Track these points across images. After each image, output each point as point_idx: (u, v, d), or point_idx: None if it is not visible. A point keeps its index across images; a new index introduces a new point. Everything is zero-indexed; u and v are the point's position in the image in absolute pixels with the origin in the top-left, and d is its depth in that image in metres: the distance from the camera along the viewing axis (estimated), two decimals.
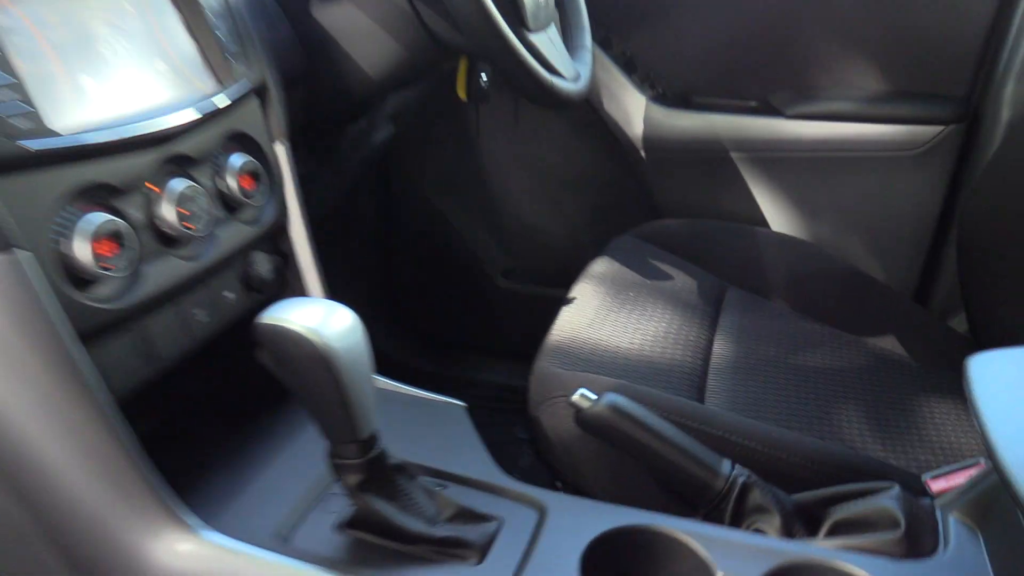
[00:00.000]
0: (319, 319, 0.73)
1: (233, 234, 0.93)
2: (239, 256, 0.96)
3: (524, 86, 1.17)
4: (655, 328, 1.29)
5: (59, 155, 0.74)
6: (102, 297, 0.77)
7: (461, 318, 2.10)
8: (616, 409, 0.92)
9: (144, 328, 0.84)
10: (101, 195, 0.78)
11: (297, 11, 1.23)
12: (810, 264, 1.55)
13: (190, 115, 0.87)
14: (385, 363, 1.98)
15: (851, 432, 1.11)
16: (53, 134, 0.74)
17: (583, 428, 0.97)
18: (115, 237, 0.77)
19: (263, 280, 0.99)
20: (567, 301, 1.36)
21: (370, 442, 0.78)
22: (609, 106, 1.77)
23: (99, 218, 0.76)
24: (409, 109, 1.75)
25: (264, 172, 0.97)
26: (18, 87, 0.72)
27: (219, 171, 0.92)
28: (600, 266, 1.48)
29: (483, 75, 1.49)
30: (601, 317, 1.30)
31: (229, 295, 0.95)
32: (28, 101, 0.72)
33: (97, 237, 0.75)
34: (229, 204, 0.93)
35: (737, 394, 1.15)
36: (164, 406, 0.98)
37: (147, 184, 0.83)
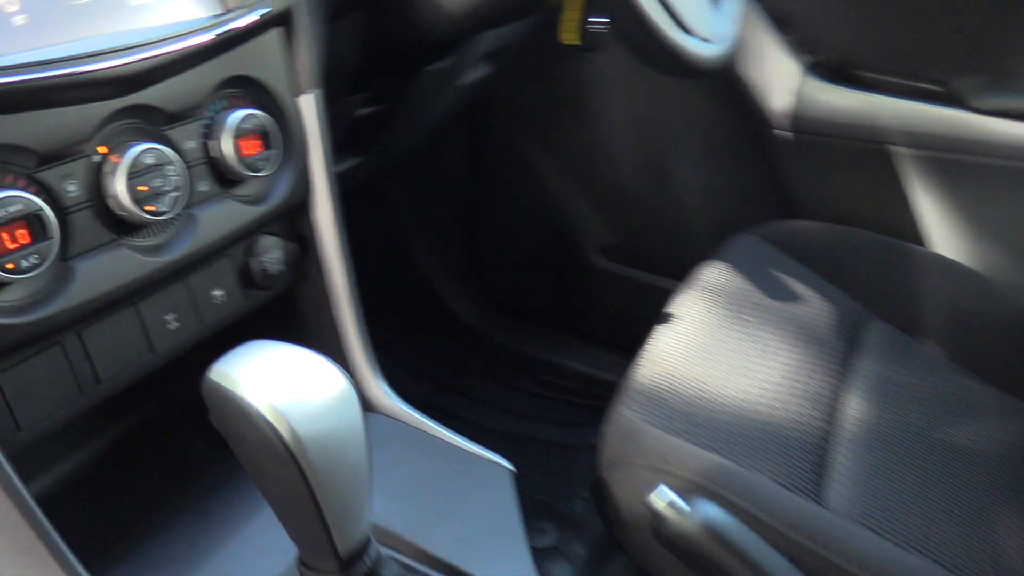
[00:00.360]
0: (289, 388, 0.50)
1: (224, 216, 0.70)
2: (237, 243, 0.73)
3: (642, 46, 0.88)
4: (772, 370, 1.00)
5: None
6: (5, 306, 0.55)
7: (547, 292, 1.84)
8: (711, 531, 0.66)
9: (77, 344, 0.62)
10: (15, 162, 0.55)
11: None
12: (980, 302, 1.21)
13: (164, 49, 0.62)
14: (461, 332, 1.78)
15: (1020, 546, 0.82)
16: None
17: (663, 544, 0.71)
18: (27, 222, 0.54)
19: (267, 274, 0.75)
20: (665, 317, 1.09)
21: (357, 555, 0.55)
22: (751, 70, 1.45)
23: (2, 195, 0.53)
24: (510, 48, 1.47)
25: (278, 132, 0.73)
26: None
27: (211, 130, 0.68)
28: (713, 272, 1.19)
29: (596, 19, 1.20)
30: (706, 348, 1.03)
31: (217, 294, 0.72)
32: None
33: None
34: (223, 176, 0.70)
35: (869, 484, 0.87)
36: (108, 429, 0.77)
37: (97, 147, 0.60)
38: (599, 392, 1.72)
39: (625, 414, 0.89)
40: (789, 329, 1.10)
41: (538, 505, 1.44)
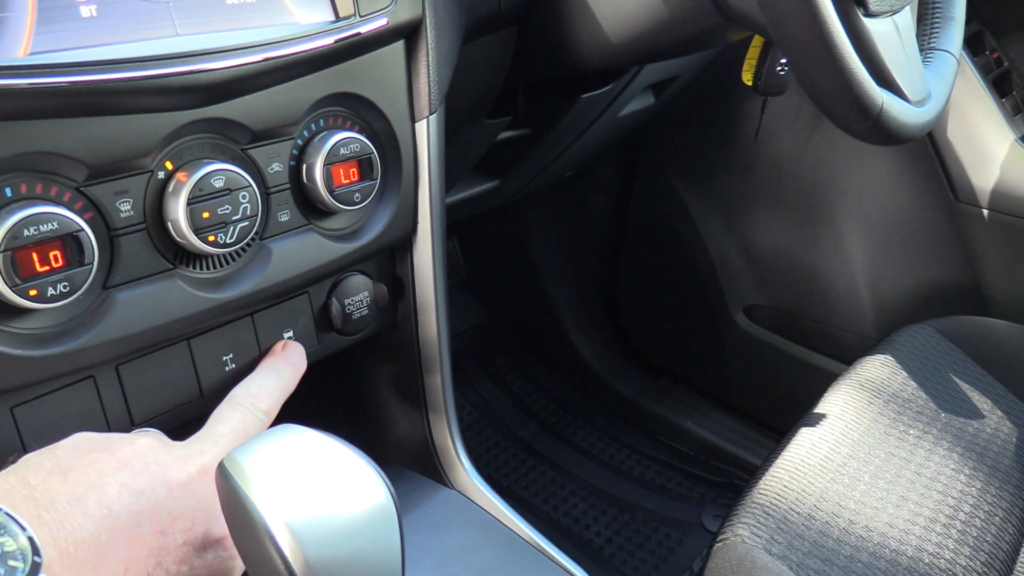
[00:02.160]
0: (314, 496, 0.40)
1: (305, 252, 0.60)
2: (319, 279, 0.64)
3: (837, 108, 0.73)
4: (934, 502, 0.83)
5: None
6: (28, 335, 0.48)
7: (681, 346, 1.69)
8: None
9: (113, 379, 0.54)
10: (61, 173, 0.48)
11: None
12: None
13: (262, 56, 0.53)
14: (581, 374, 1.65)
15: None
16: None
17: None
18: (62, 244, 0.47)
19: (349, 318, 0.66)
20: (811, 419, 0.92)
21: None
22: (954, 133, 1.25)
23: (32, 213, 0.45)
24: (677, 80, 1.34)
25: (381, 161, 0.63)
26: None
27: (303, 152, 0.59)
28: (876, 367, 1.02)
29: (784, 60, 1.05)
30: (854, 460, 0.86)
31: (288, 335, 0.63)
32: None
33: (23, 243, 0.45)
34: (311, 205, 0.60)
35: None
36: None
37: (164, 162, 0.52)
38: (722, 466, 1.56)
39: (742, 535, 0.74)
40: (961, 450, 0.91)
41: None
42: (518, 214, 1.69)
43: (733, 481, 1.52)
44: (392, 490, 0.42)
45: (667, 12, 0.82)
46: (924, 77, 0.86)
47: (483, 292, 1.83)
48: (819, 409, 0.95)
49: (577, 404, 1.70)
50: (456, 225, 1.57)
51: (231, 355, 0.59)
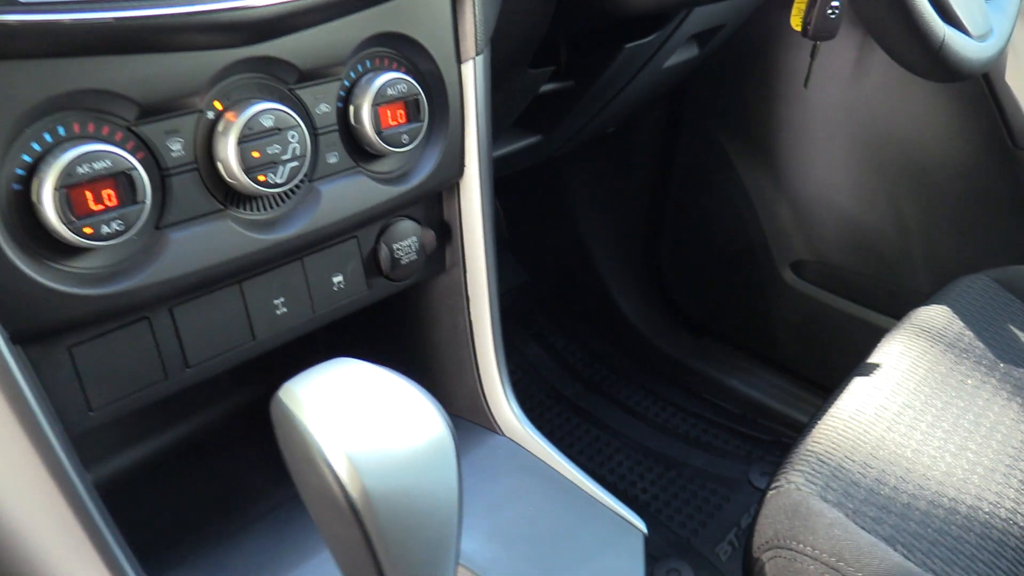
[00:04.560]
0: (370, 428, 0.40)
1: (354, 194, 0.60)
2: (367, 225, 0.63)
3: (898, 41, 0.71)
4: (993, 450, 0.81)
5: (35, 34, 0.43)
6: (85, 274, 0.48)
7: (727, 303, 1.67)
8: None
9: (168, 321, 0.54)
10: (112, 111, 0.47)
11: None
12: None
13: None
14: (626, 334, 1.64)
15: None
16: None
17: None
18: (115, 182, 0.47)
19: (398, 264, 0.66)
20: (865, 368, 0.91)
21: None
22: (1013, 76, 1.20)
23: (85, 151, 0.45)
24: (723, 29, 1.30)
25: (427, 103, 0.62)
26: None
27: (350, 93, 0.58)
28: (931, 316, 0.99)
29: (835, 2, 1.02)
30: (911, 408, 0.84)
31: (337, 280, 0.63)
32: None
33: (77, 180, 0.45)
34: (359, 147, 0.60)
35: None
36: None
37: (213, 102, 0.51)
38: (769, 424, 1.54)
39: (797, 483, 0.73)
40: (1021, 400, 0.89)
41: (678, 542, 1.30)
42: (560, 172, 1.67)
43: (780, 439, 1.50)
44: (451, 424, 0.41)
45: None
46: (986, 12, 0.83)
47: (525, 252, 1.82)
48: (873, 359, 0.93)
49: (621, 363, 1.68)
50: (498, 183, 1.57)
51: (282, 299, 0.60)
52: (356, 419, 0.40)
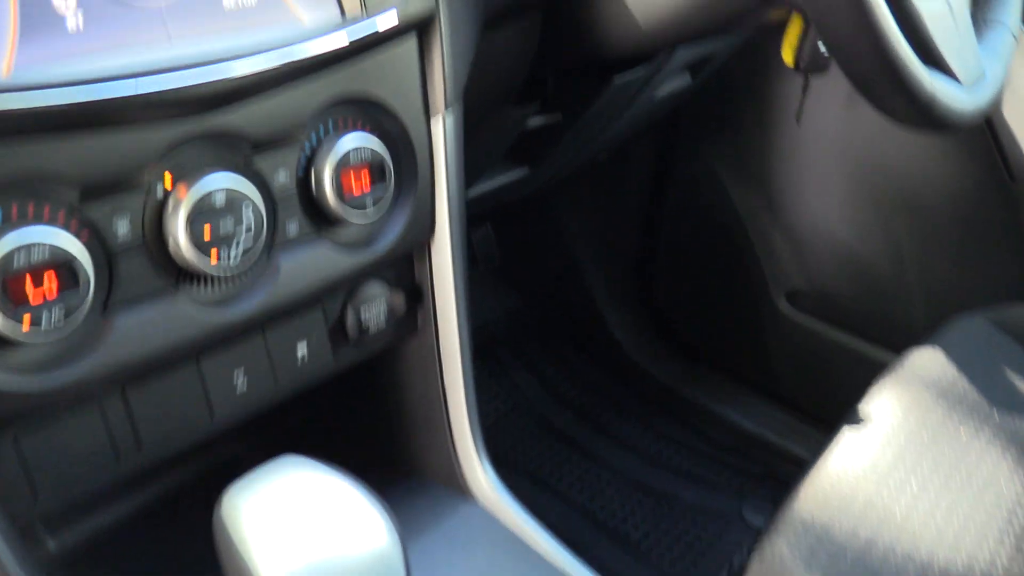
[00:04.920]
0: (313, 545, 0.37)
1: (316, 264, 0.58)
2: (332, 289, 0.61)
3: (877, 87, 0.68)
4: (992, 516, 0.78)
5: None
6: (23, 364, 0.46)
7: (721, 331, 1.64)
8: None
9: (119, 404, 0.52)
10: (53, 194, 0.45)
11: None
12: None
13: (266, 64, 0.50)
14: (618, 360, 1.62)
15: None
16: None
17: None
18: (55, 271, 0.44)
19: (366, 331, 0.63)
20: (854, 418, 0.88)
21: None
22: (1010, 109, 1.18)
23: (22, 243, 0.43)
24: (715, 59, 1.28)
25: (395, 164, 0.59)
26: None
27: (313, 157, 0.56)
28: (925, 360, 0.97)
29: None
30: (903, 464, 0.82)
31: (301, 352, 0.61)
32: None
33: (13, 272, 0.43)
34: (320, 214, 0.58)
35: None
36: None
37: (163, 173, 0.49)
38: (763, 457, 1.51)
39: (780, 549, 0.71)
40: (1016, 450, 0.86)
41: None
42: (551, 197, 1.65)
43: (774, 472, 1.48)
44: (398, 537, 0.39)
45: None
46: (978, 55, 0.81)
47: (517, 277, 1.79)
48: (864, 407, 0.90)
49: (613, 392, 1.66)
50: (487, 209, 1.55)
51: (242, 375, 0.57)
52: (297, 538, 0.37)
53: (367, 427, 0.76)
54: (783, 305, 1.51)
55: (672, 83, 1.25)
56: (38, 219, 0.45)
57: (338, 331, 0.63)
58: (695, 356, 1.69)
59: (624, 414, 1.60)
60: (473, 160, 0.70)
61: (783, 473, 1.46)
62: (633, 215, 1.66)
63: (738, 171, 1.49)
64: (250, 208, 0.51)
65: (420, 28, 0.60)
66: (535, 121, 1.10)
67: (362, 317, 0.63)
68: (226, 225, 0.50)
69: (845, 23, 0.65)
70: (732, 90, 1.42)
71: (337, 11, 0.55)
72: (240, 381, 0.57)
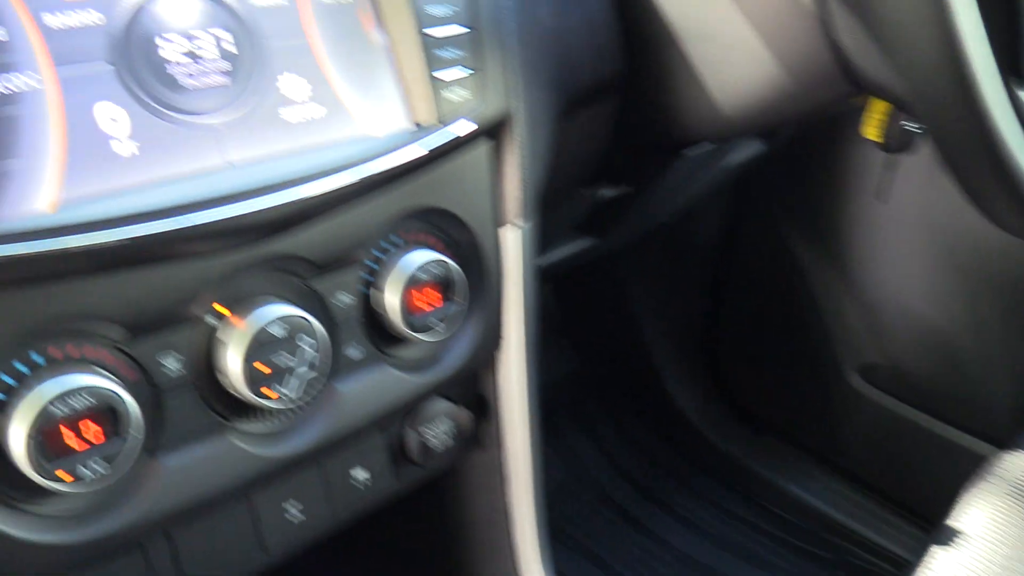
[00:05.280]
0: None
1: (377, 390, 0.53)
2: (393, 415, 0.57)
3: (992, 199, 0.62)
4: None
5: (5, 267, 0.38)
6: (61, 517, 0.42)
7: (790, 405, 1.56)
8: None
9: (164, 547, 0.48)
10: (96, 333, 0.42)
11: None
12: None
13: (330, 184, 0.46)
14: (681, 430, 1.55)
15: None
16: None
17: None
18: (98, 416, 0.41)
19: (428, 450, 0.59)
20: (946, 537, 0.81)
21: None
22: None
23: (63, 390, 0.39)
24: (789, 126, 1.22)
25: (464, 282, 0.55)
26: None
27: (375, 275, 0.52)
28: (1018, 467, 0.88)
29: None
30: None
31: (361, 476, 0.56)
32: None
33: (54, 423, 0.39)
34: (384, 333, 0.53)
35: None
36: None
37: (212, 304, 0.45)
38: (834, 540, 1.43)
39: None
40: None
41: None
42: (615, 259, 1.59)
43: (846, 558, 1.39)
44: None
45: (790, 82, 0.73)
46: None
47: (576, 338, 1.74)
48: (955, 523, 0.83)
49: (674, 463, 1.59)
50: (549, 270, 1.51)
51: (297, 505, 0.53)
52: None
53: (424, 545, 0.71)
54: (855, 380, 1.43)
55: (744, 151, 1.20)
56: (81, 360, 0.41)
57: (399, 452, 0.58)
58: (759, 427, 1.62)
59: (685, 488, 1.53)
60: (542, 234, 0.66)
61: (856, 559, 1.38)
62: (698, 278, 1.60)
63: (808, 238, 1.42)
64: (311, 337, 0.47)
65: (495, 134, 0.56)
66: (604, 193, 1.06)
67: (425, 437, 0.58)
68: (283, 360, 0.46)
69: (958, 127, 0.60)
70: (804, 154, 1.36)
71: (406, 118, 0.51)
72: (295, 511, 0.53)
